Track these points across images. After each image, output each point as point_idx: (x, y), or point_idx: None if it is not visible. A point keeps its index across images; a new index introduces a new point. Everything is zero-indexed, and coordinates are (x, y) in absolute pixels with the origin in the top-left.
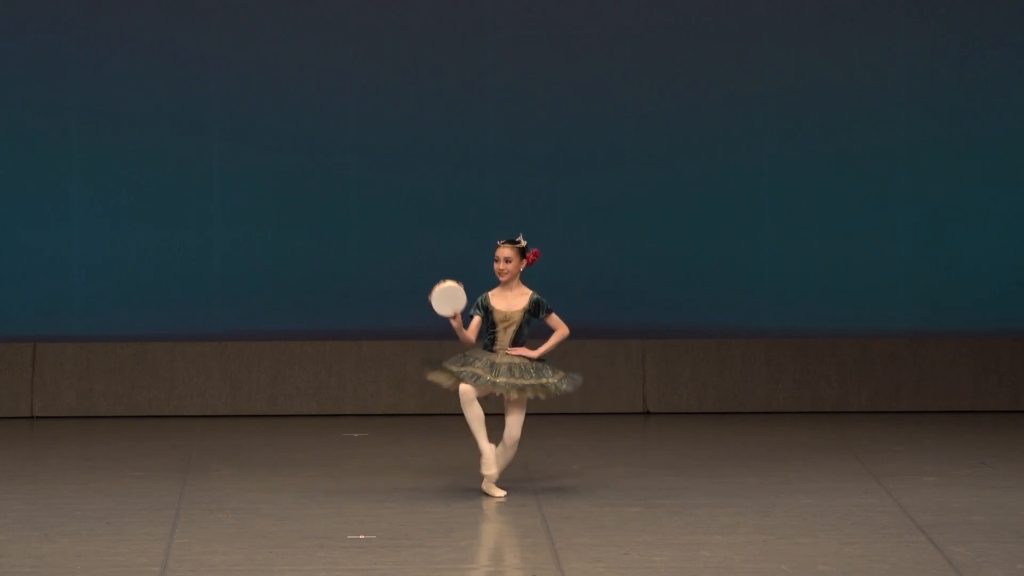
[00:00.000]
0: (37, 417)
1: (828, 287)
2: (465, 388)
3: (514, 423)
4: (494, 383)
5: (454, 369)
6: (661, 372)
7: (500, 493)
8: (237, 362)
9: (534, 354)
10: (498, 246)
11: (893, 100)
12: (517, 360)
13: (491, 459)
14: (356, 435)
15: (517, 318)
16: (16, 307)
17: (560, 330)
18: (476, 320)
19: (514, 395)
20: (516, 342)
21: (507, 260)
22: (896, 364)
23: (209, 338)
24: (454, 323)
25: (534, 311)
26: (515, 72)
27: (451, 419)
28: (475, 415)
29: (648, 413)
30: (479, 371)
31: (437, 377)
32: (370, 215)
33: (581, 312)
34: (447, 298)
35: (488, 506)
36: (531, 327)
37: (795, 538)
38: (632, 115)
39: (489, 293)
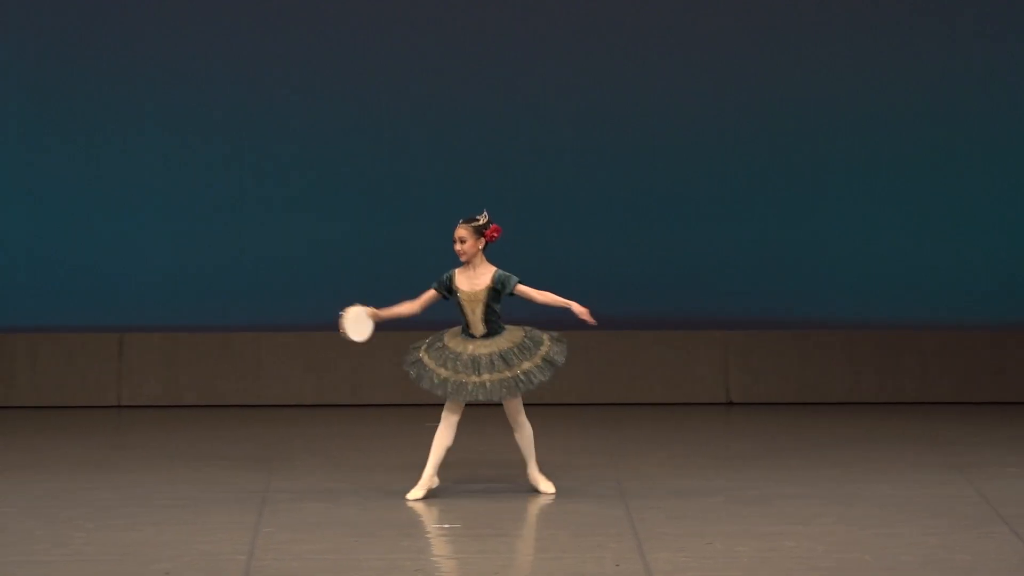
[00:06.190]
0: (123, 406)
1: (907, 280)
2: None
3: (517, 412)
4: (481, 386)
5: (441, 373)
6: (743, 363)
7: (551, 489)
8: (321, 352)
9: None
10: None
11: (970, 89)
12: (496, 348)
13: (425, 483)
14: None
15: (482, 297)
16: (103, 298)
17: (544, 294)
18: (429, 293)
19: (506, 395)
20: (488, 319)
21: (461, 240)
22: (977, 355)
23: (293, 328)
24: (381, 316)
25: (499, 288)
26: (567, 65)
27: (533, 409)
28: (443, 441)
29: (731, 403)
30: (463, 376)
31: (418, 368)
32: (446, 205)
33: (662, 304)
34: (357, 325)
35: (571, 497)
36: (505, 305)
37: (877, 528)
38: (708, 106)
39: (456, 271)
